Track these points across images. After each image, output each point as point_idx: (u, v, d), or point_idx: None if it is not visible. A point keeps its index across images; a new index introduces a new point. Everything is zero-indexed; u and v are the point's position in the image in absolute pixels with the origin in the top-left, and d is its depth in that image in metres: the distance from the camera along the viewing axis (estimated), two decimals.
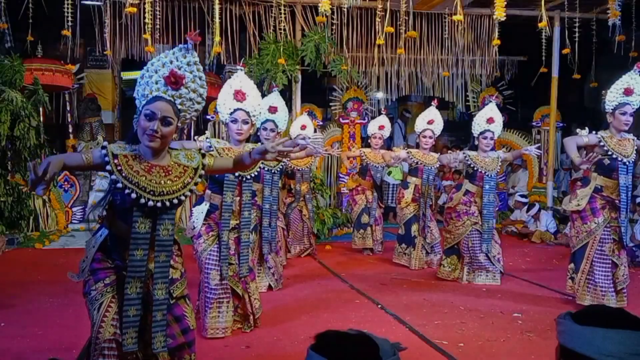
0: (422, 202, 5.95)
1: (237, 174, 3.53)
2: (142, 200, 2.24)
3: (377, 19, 6.96)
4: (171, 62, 2.34)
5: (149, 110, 2.27)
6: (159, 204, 2.28)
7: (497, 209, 8.57)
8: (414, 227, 5.99)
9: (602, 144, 4.15)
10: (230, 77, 3.71)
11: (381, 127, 6.71)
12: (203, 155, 2.49)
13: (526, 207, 8.32)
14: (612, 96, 4.18)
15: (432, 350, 3.41)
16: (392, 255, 6.37)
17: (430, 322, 3.96)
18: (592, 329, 1.15)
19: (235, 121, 3.53)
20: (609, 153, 4.14)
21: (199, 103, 2.42)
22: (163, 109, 2.28)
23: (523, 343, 3.57)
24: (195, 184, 2.42)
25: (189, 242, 3.98)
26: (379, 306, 4.39)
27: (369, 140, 6.84)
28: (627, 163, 4.14)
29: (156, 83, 2.33)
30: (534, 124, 9.83)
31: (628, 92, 4.12)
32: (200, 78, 2.41)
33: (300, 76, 8.40)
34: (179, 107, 2.36)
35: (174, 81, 2.32)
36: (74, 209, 7.91)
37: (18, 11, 7.21)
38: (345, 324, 3.89)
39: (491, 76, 9.63)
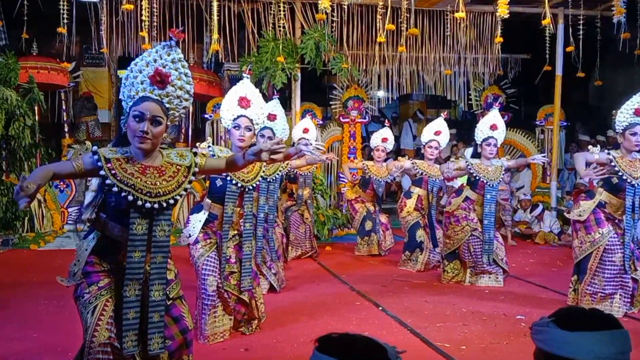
0: (427, 214, 5.95)
1: (239, 184, 3.52)
2: (139, 202, 2.24)
3: (378, 16, 6.96)
4: (155, 60, 2.33)
5: (137, 112, 2.27)
6: (155, 205, 2.28)
7: None
8: (419, 233, 5.99)
9: (612, 164, 4.15)
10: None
11: (384, 140, 6.69)
12: (195, 154, 2.49)
13: (529, 207, 8.33)
14: (623, 117, 4.17)
15: (434, 353, 3.41)
16: (394, 256, 6.38)
17: (432, 325, 3.96)
18: (580, 334, 1.19)
19: (237, 127, 3.52)
20: (619, 173, 4.14)
21: (186, 100, 2.42)
22: (151, 109, 2.28)
23: (526, 346, 3.56)
24: (190, 182, 2.41)
25: (178, 244, 3.99)
26: (380, 308, 4.39)
27: (372, 153, 6.81)
28: (636, 185, 4.14)
29: (142, 83, 2.32)
30: (537, 122, 9.81)
31: (639, 112, 4.10)
32: (186, 75, 2.40)
33: (299, 74, 8.40)
34: (167, 105, 2.36)
35: (160, 80, 2.31)
36: (70, 210, 7.91)
37: (13, 8, 7.22)
38: (346, 326, 3.89)
39: (494, 74, 9.63)
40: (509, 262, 5.37)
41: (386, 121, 7.68)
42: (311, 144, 4.94)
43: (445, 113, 6.14)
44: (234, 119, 3.53)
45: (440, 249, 5.81)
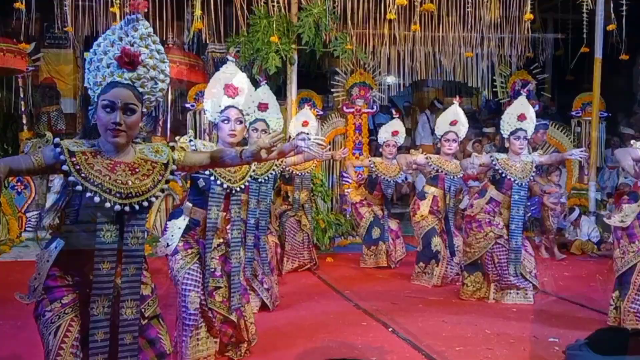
0: (444, 217, 5.92)
1: (225, 185, 3.51)
2: (108, 204, 2.24)
3: None
4: (120, 38, 2.32)
5: (107, 100, 2.26)
6: (126, 208, 2.28)
7: (529, 214, 8.61)
8: (435, 240, 5.97)
9: None
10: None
11: (395, 134, 6.69)
12: (172, 149, 2.49)
13: (564, 212, 8.33)
14: None
15: None
16: (406, 269, 6.39)
17: (451, 349, 3.97)
18: (617, 359, 1.19)
19: (227, 120, 3.51)
20: None
21: (162, 81, 2.42)
22: (122, 96, 2.27)
23: None
24: (167, 181, 2.42)
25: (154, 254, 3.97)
26: (390, 329, 4.41)
27: (381, 149, 6.80)
28: None
29: (108, 67, 2.31)
30: (573, 113, 9.84)
31: None
32: (158, 52, 2.40)
33: (296, 57, 8.42)
34: (140, 89, 2.35)
35: (129, 61, 2.31)
36: (29, 215, 7.91)
37: None
38: (350, 350, 3.90)
39: (522, 57, 9.64)
40: (539, 275, 5.38)
41: (395, 111, 7.60)
42: (309, 138, 4.93)
43: (457, 98, 6.06)
44: (222, 111, 3.53)
45: (459, 259, 5.81)
